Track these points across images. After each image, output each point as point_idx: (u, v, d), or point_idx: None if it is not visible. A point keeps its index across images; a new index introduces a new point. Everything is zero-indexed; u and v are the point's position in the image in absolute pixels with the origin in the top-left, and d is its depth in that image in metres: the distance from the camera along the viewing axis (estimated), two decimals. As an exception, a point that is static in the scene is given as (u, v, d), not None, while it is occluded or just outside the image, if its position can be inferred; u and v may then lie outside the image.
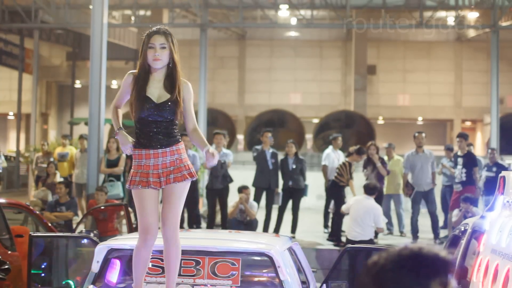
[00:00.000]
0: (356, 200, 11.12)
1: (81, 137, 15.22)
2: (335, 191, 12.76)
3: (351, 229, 10.85)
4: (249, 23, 28.30)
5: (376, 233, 11.32)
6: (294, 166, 13.09)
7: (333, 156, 14.00)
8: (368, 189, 11.01)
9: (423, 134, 13.37)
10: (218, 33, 33.38)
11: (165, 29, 5.01)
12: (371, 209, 10.75)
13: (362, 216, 10.69)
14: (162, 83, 4.95)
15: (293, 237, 12.51)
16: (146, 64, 4.97)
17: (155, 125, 4.89)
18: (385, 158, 14.32)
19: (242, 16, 21.39)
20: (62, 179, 14.22)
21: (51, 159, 16.26)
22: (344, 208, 11.45)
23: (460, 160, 12.90)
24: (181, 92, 4.95)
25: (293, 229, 13.38)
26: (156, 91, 4.94)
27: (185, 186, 4.98)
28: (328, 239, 12.82)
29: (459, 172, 12.87)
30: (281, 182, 13.26)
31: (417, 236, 13.14)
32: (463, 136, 13.25)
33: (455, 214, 12.08)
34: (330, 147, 14.33)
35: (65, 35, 31.36)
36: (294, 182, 13.11)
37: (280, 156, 13.39)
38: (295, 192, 13.19)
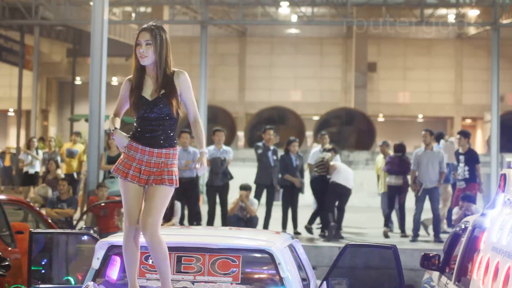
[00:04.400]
0: (338, 168, 12.93)
1: None
2: (321, 186, 12.91)
3: (338, 179, 12.81)
4: (250, 20, 28.23)
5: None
6: (297, 163, 13.15)
7: (319, 155, 14.16)
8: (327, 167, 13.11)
9: (429, 132, 13.24)
10: (218, 30, 33.34)
11: (153, 25, 4.89)
12: (346, 167, 13.41)
13: (347, 171, 13.11)
14: (155, 80, 4.91)
15: (294, 234, 12.52)
16: (137, 63, 4.92)
17: (152, 121, 4.87)
18: (381, 156, 14.50)
19: (242, 13, 21.35)
20: (63, 176, 14.21)
21: (53, 156, 16.29)
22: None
23: (462, 158, 12.92)
24: (170, 85, 4.87)
25: (293, 226, 13.38)
26: (150, 88, 4.91)
27: (167, 192, 4.86)
28: (320, 235, 12.93)
29: (462, 170, 12.87)
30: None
31: (418, 234, 13.08)
32: (463, 133, 13.25)
33: (455, 212, 12.09)
34: (319, 145, 14.51)
35: (66, 31, 31.32)
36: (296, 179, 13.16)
37: (279, 153, 13.41)
38: (296, 189, 13.22)
